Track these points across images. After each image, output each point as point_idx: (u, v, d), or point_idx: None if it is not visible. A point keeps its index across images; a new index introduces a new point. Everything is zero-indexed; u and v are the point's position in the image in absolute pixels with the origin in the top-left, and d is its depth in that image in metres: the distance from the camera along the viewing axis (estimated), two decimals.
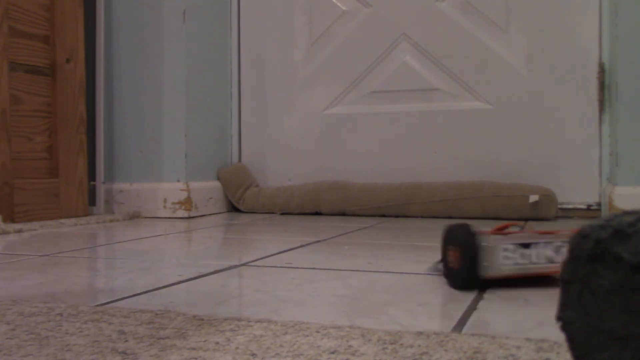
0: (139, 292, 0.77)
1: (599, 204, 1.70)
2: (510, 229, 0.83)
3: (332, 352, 0.50)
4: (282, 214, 1.88)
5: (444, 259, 0.81)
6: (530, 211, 1.65)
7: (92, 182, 1.86)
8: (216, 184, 1.96)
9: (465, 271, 0.75)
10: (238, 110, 2.07)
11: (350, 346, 0.52)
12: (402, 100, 1.90)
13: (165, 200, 1.83)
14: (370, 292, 0.76)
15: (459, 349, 0.50)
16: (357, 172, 1.92)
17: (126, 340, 0.54)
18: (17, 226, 1.47)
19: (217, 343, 0.53)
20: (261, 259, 1.02)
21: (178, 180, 1.83)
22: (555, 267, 0.77)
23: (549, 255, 0.77)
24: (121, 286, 0.81)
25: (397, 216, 1.77)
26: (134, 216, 1.80)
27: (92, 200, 1.85)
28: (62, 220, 1.62)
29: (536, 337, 0.54)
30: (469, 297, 0.73)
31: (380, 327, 0.58)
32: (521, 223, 0.89)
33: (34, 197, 1.63)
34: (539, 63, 1.77)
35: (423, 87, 1.88)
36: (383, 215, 1.79)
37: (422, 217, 1.75)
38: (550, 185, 1.70)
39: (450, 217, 1.71)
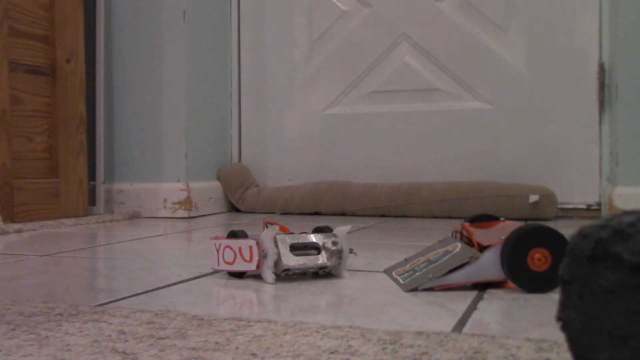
0: (139, 292, 0.77)
1: (599, 204, 1.70)
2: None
3: (332, 352, 0.50)
4: (282, 214, 1.89)
5: (516, 261, 0.75)
6: (530, 211, 1.65)
7: (92, 182, 1.86)
8: (216, 184, 1.96)
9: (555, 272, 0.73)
10: (238, 110, 2.07)
11: (350, 346, 0.52)
12: (402, 100, 1.90)
13: (165, 200, 1.83)
14: (370, 292, 0.76)
15: (459, 349, 0.50)
16: (357, 172, 1.92)
17: (126, 340, 0.54)
18: (17, 226, 1.47)
19: (217, 343, 0.53)
20: None
21: (178, 180, 1.83)
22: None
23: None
24: (121, 286, 0.81)
25: (397, 216, 1.77)
26: (134, 216, 1.80)
27: (92, 200, 1.85)
28: (62, 220, 1.62)
29: (536, 337, 0.54)
30: (469, 297, 0.73)
31: (380, 327, 0.58)
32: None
33: (34, 197, 1.63)
34: (539, 63, 1.77)
35: (423, 87, 1.88)
36: (383, 215, 1.79)
37: (422, 217, 1.75)
38: (550, 185, 1.70)
39: (450, 217, 1.71)
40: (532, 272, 0.73)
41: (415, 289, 0.76)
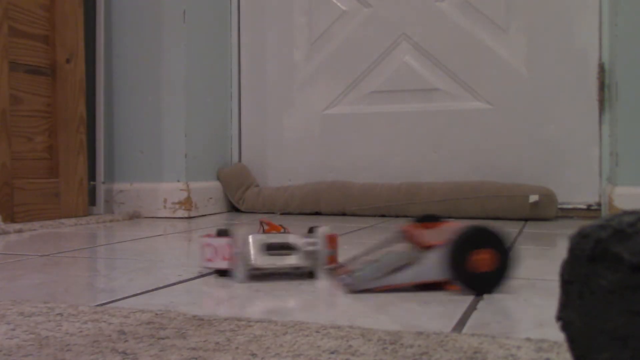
0: (139, 292, 0.77)
1: (599, 204, 1.70)
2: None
3: (332, 352, 0.50)
4: (282, 214, 1.88)
5: (460, 264, 0.75)
6: (530, 211, 1.65)
7: (92, 182, 1.86)
8: (216, 184, 1.96)
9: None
10: (238, 110, 2.07)
11: (350, 346, 0.52)
12: (402, 100, 1.90)
13: (165, 200, 1.83)
14: (370, 292, 0.76)
15: (459, 349, 0.50)
16: (357, 172, 1.92)
17: (126, 340, 0.54)
18: (17, 226, 1.47)
19: (217, 343, 0.53)
20: None
21: (178, 180, 1.83)
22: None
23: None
24: (121, 286, 0.81)
25: (397, 216, 1.77)
26: (134, 216, 1.80)
27: (92, 200, 1.85)
28: (62, 220, 1.62)
29: (536, 337, 0.54)
30: (469, 297, 0.73)
31: (380, 327, 0.58)
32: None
33: (34, 197, 1.63)
34: (539, 63, 1.77)
35: (423, 87, 1.87)
36: (383, 215, 1.79)
37: None
38: (550, 185, 1.70)
39: (450, 217, 1.71)
40: (474, 273, 0.73)
41: (356, 291, 0.75)
